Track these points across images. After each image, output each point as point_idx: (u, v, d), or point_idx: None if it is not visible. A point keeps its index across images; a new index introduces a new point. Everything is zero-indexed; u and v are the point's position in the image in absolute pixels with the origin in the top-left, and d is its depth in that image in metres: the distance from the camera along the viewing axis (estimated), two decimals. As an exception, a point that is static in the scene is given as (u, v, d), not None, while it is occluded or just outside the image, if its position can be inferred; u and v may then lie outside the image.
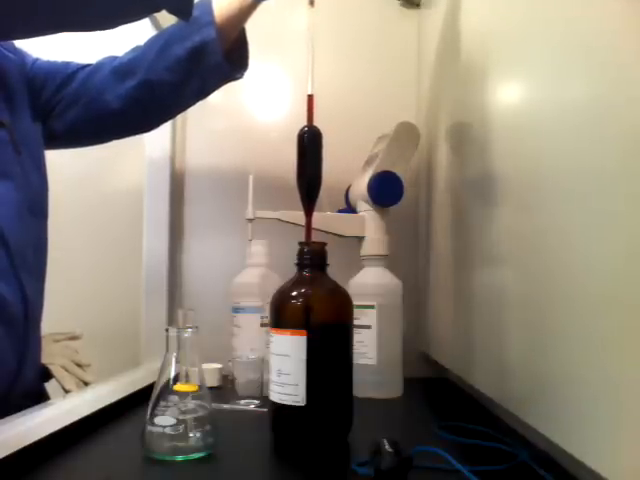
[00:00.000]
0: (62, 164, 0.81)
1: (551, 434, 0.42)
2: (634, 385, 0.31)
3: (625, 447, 0.32)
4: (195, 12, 0.66)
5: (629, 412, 0.32)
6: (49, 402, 0.66)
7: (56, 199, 0.76)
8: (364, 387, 0.71)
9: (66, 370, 0.78)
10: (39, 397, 0.72)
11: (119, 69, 0.72)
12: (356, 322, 0.68)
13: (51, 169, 0.75)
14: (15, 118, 0.67)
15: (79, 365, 0.81)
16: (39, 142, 0.71)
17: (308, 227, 0.61)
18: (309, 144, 0.60)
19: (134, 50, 0.74)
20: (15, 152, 0.66)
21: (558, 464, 0.45)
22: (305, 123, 0.61)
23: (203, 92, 0.76)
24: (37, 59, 0.74)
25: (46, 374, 0.78)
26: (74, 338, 0.86)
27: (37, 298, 0.71)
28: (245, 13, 0.70)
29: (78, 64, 0.76)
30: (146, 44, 0.73)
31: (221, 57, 0.70)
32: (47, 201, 0.73)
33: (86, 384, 0.78)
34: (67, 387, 0.76)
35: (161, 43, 0.71)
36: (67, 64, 0.75)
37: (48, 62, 0.75)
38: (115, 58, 0.75)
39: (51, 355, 0.79)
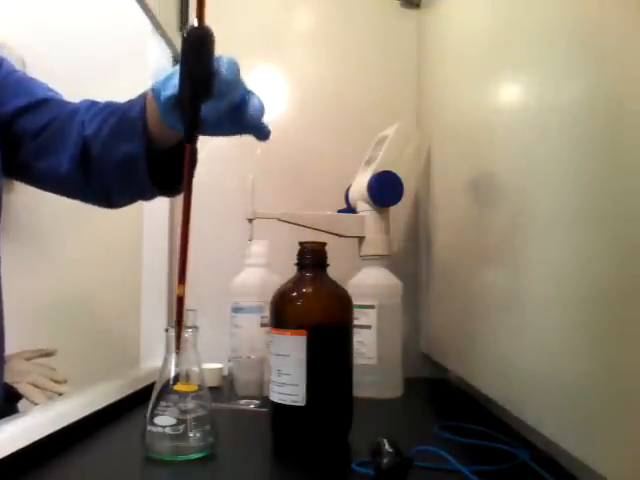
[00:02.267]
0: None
1: (551, 434, 0.42)
2: (634, 385, 0.31)
3: (624, 447, 0.32)
4: (131, 113, 0.60)
5: (629, 412, 0.32)
6: (49, 403, 0.65)
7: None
8: (364, 387, 0.71)
9: (35, 386, 0.71)
10: None
11: (84, 142, 0.64)
12: (356, 322, 0.68)
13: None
14: None
15: (53, 381, 0.73)
16: None
17: (188, 162, 0.48)
18: (189, 49, 0.47)
19: (97, 115, 0.64)
20: None
21: (558, 464, 0.45)
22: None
23: (146, 198, 0.68)
24: (16, 71, 0.68)
25: (15, 395, 0.71)
26: (47, 355, 0.80)
27: None
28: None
29: (53, 95, 0.68)
30: (103, 119, 0.64)
31: (147, 177, 0.61)
32: (0, 193, 0.64)
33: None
34: (36, 401, 0.68)
35: (106, 133, 0.62)
36: (46, 90, 0.68)
37: (28, 79, 0.68)
38: (86, 113, 0.65)
39: (20, 374, 0.72)
